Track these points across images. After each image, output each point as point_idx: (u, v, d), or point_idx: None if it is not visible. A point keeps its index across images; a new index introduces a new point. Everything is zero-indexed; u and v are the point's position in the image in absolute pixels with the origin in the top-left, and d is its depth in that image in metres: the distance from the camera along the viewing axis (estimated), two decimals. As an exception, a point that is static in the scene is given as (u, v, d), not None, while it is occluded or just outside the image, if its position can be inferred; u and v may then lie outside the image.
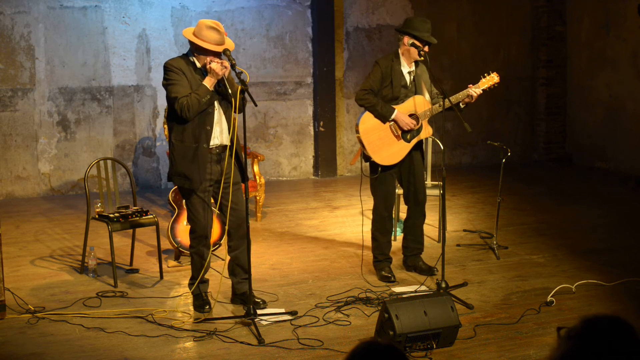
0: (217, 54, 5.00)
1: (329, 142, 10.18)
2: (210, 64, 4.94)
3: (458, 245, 6.86)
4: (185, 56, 5.13)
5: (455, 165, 10.86)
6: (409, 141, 5.85)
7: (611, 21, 10.34)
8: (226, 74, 5.02)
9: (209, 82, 4.96)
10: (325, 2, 9.94)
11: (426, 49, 5.75)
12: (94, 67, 9.24)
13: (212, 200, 5.32)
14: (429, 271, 6.00)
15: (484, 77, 5.89)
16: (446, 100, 5.65)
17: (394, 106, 5.78)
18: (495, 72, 5.92)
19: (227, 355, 4.58)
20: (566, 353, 2.02)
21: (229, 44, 5.06)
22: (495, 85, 5.90)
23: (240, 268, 5.34)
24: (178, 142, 5.09)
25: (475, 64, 10.53)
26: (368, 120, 5.84)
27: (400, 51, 5.84)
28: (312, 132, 10.26)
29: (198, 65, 5.07)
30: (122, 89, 9.38)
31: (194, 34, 5.01)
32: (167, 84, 5.03)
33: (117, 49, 9.30)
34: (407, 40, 5.76)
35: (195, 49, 5.04)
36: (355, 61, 10.24)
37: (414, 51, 5.75)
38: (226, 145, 5.17)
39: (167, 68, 5.04)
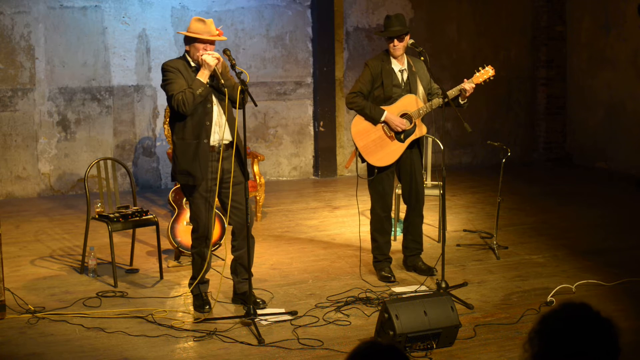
0: (207, 43, 5.07)
1: (329, 142, 10.18)
2: (201, 56, 5.00)
3: (458, 245, 6.86)
4: (182, 57, 5.22)
5: (455, 165, 10.86)
6: (403, 141, 5.84)
7: (611, 21, 10.34)
8: (219, 67, 5.05)
9: (202, 75, 5.03)
10: (325, 2, 9.93)
11: (396, 42, 5.73)
12: (94, 67, 9.23)
13: (218, 201, 5.34)
14: (428, 272, 6.00)
15: (478, 70, 5.86)
16: (444, 96, 5.64)
17: (383, 107, 5.78)
18: (490, 66, 5.90)
19: (227, 355, 4.58)
20: (535, 355, 2.05)
21: (221, 38, 5.13)
22: (491, 78, 5.86)
23: (242, 268, 5.35)
24: (179, 140, 5.13)
25: (475, 64, 10.45)
26: (360, 122, 5.84)
27: (389, 51, 5.85)
28: (312, 132, 10.26)
29: (192, 63, 5.13)
30: (122, 89, 9.38)
31: (187, 31, 5.13)
32: (164, 84, 5.12)
33: (117, 49, 9.29)
34: (385, 41, 5.82)
35: (187, 42, 5.14)
36: (355, 61, 10.23)
37: (392, 50, 5.77)
38: (227, 142, 5.19)
39: (164, 69, 5.15)
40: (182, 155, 5.13)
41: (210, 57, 5.01)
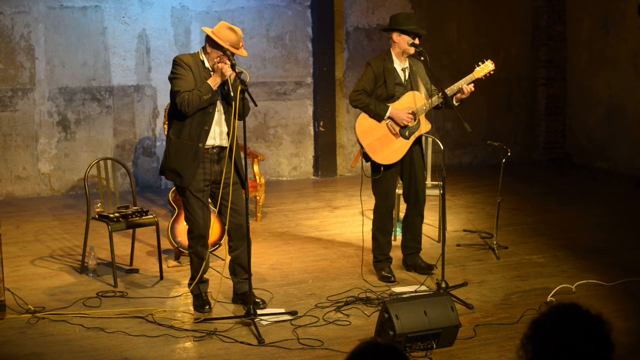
0: (232, 55, 5.04)
1: (329, 142, 10.17)
2: (218, 63, 4.97)
3: (458, 245, 6.86)
4: (195, 54, 5.18)
5: (455, 165, 10.85)
6: (407, 138, 5.85)
7: (611, 21, 10.34)
8: (232, 78, 5.03)
9: (213, 81, 4.99)
10: (325, 2, 9.93)
11: (417, 41, 5.75)
12: (94, 67, 9.23)
13: (210, 201, 5.34)
14: (428, 269, 6.00)
15: (478, 65, 5.86)
16: (442, 94, 5.63)
17: (388, 104, 5.79)
18: (489, 60, 5.90)
19: (227, 355, 4.59)
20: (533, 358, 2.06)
21: (242, 52, 5.10)
22: (491, 72, 5.85)
23: (241, 268, 5.35)
24: (175, 138, 5.13)
25: (475, 64, 10.50)
26: (364, 121, 5.84)
27: (392, 50, 5.84)
28: (312, 132, 10.26)
29: (207, 64, 5.11)
30: (122, 89, 9.38)
31: (213, 31, 5.07)
32: (172, 77, 5.08)
33: (117, 49, 9.29)
34: (395, 37, 5.78)
35: (211, 44, 5.07)
36: (355, 61, 10.23)
37: (407, 47, 5.75)
38: (224, 147, 5.19)
39: (176, 62, 5.09)
40: (175, 153, 5.13)
41: (227, 67, 4.96)
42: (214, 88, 4.99)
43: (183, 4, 9.49)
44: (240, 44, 5.09)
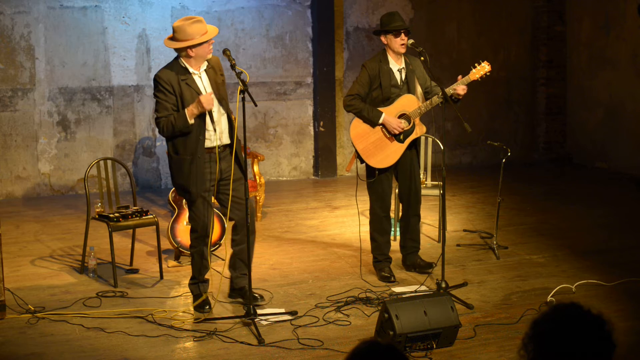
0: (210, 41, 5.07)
1: (329, 142, 10.18)
2: (201, 96, 4.95)
3: (458, 245, 6.86)
4: (175, 63, 5.13)
5: (455, 165, 10.85)
6: (402, 141, 5.84)
7: (611, 21, 10.34)
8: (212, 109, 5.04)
9: (190, 112, 4.96)
10: (325, 2, 9.93)
11: (403, 37, 5.71)
12: (94, 67, 9.23)
13: (213, 200, 5.35)
14: (427, 267, 6.00)
15: (475, 67, 5.85)
16: (442, 93, 5.61)
17: (381, 109, 5.77)
18: (485, 61, 5.89)
19: (227, 355, 4.59)
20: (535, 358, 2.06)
21: (214, 30, 5.09)
22: (487, 74, 5.84)
23: (241, 262, 5.35)
24: (173, 154, 5.15)
25: (475, 64, 10.48)
26: (358, 125, 5.83)
27: (386, 50, 5.84)
28: (312, 132, 10.26)
29: (191, 69, 5.08)
30: (122, 89, 9.37)
31: (177, 39, 5.01)
32: (155, 99, 5.11)
33: (117, 49, 9.29)
34: (383, 39, 5.79)
35: (191, 48, 5.01)
36: (355, 61, 10.22)
37: (398, 47, 5.74)
38: (226, 145, 5.19)
39: (156, 82, 5.07)
40: (177, 170, 5.14)
41: (210, 103, 4.96)
42: (190, 121, 4.97)
43: (183, 4, 9.49)
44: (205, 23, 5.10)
